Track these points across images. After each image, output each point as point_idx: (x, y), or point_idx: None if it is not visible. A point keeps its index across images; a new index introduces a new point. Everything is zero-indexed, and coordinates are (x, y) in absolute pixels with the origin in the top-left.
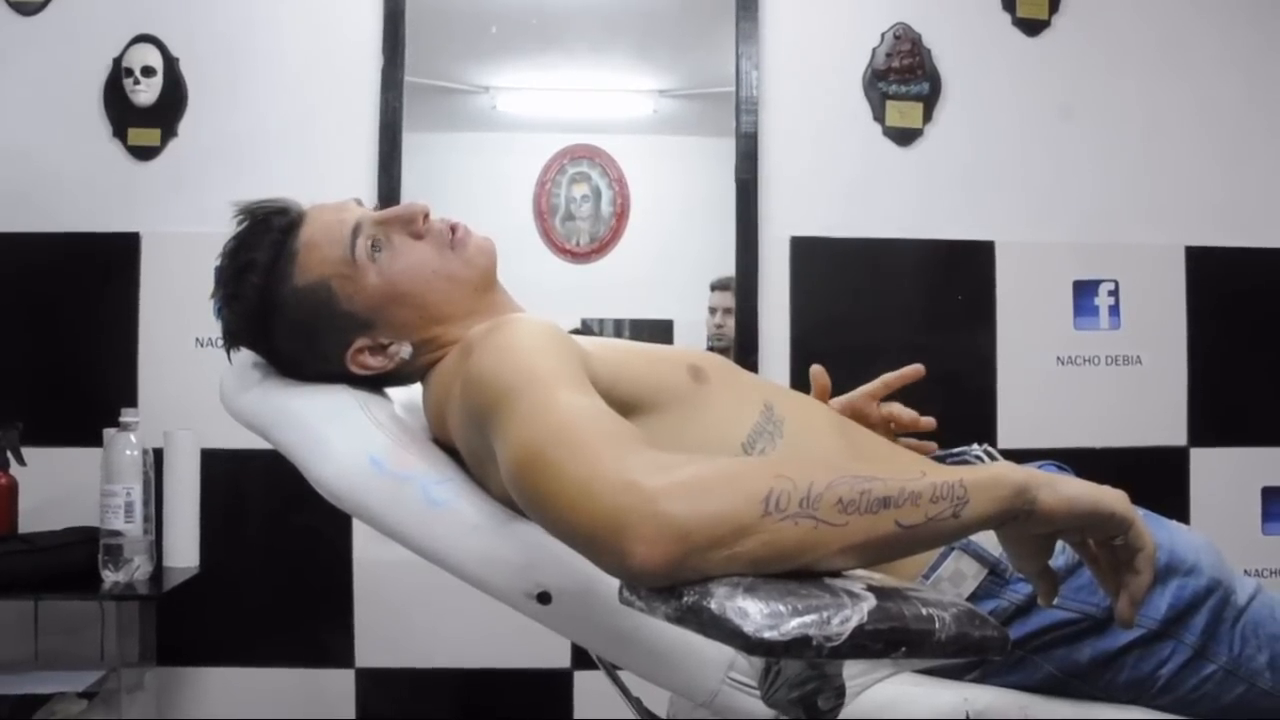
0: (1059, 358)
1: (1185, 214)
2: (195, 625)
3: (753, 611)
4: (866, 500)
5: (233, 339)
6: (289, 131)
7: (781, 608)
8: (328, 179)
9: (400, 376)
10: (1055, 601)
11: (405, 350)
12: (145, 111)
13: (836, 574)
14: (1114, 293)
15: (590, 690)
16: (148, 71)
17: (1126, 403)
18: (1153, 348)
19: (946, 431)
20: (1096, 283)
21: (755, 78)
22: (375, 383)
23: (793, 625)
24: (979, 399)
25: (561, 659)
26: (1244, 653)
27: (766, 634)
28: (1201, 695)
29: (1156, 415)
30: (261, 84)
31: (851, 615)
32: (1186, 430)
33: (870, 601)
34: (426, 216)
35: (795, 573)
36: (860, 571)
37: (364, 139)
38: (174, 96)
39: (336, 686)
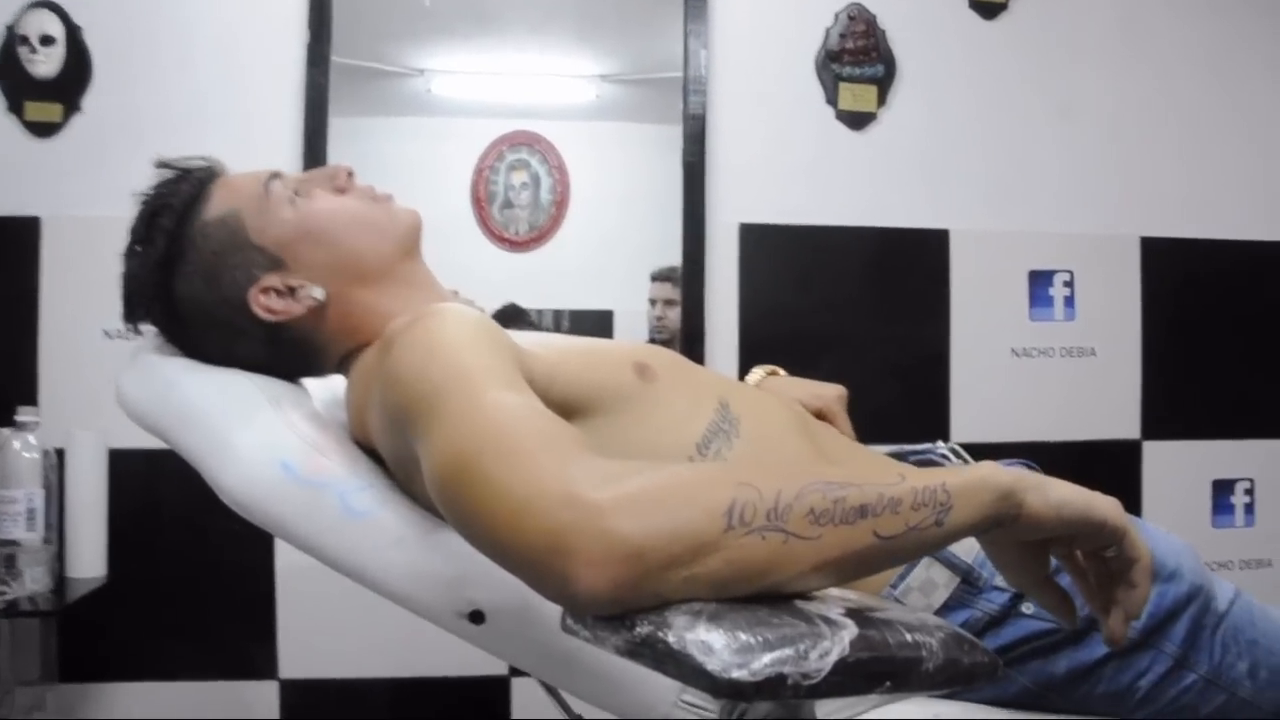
0: (1013, 349)
1: (1142, 204)
2: (102, 639)
3: (718, 646)
4: (841, 509)
5: (131, 304)
6: (204, 109)
7: (751, 640)
8: (247, 161)
9: (315, 360)
10: (1030, 611)
11: (316, 293)
12: (45, 84)
13: (807, 595)
14: (1069, 283)
15: (528, 699)
16: (46, 40)
17: (1080, 395)
18: (1107, 340)
19: (899, 423)
20: (1052, 273)
21: (704, 57)
22: (290, 373)
23: (765, 661)
24: (932, 391)
25: (498, 666)
26: (1225, 660)
27: (735, 673)
28: (1181, 706)
29: (1110, 408)
30: (174, 57)
31: (831, 647)
32: (1140, 423)
33: (851, 630)
34: (350, 174)
35: (762, 594)
36: (833, 591)
37: (288, 119)
38: (77, 68)
39: (259, 699)
